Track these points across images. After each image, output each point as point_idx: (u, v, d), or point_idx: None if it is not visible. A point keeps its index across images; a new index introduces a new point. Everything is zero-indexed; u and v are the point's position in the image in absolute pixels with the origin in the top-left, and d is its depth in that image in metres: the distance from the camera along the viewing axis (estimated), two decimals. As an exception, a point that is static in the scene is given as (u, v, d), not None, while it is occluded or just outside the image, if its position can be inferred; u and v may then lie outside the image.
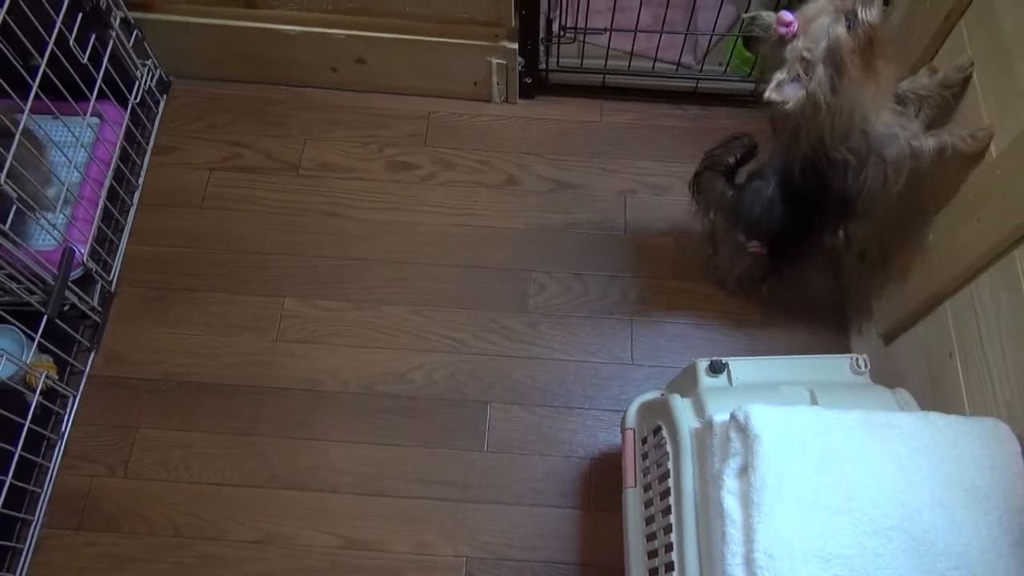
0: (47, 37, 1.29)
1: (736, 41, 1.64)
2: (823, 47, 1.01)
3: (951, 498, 0.85)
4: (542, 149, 1.68)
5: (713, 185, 1.33)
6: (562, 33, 1.63)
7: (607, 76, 1.67)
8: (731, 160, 1.33)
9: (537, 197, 1.62)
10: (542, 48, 1.62)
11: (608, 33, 1.58)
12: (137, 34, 1.57)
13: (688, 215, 1.45)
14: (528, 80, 1.68)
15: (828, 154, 1.12)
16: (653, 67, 1.65)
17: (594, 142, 1.68)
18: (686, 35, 1.61)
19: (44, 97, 1.29)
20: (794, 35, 1.02)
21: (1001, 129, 1.03)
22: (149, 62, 1.64)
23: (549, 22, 1.62)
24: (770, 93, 1.03)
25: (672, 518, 0.98)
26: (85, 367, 1.45)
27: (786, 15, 1.01)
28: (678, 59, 1.65)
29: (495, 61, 1.61)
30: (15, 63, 1.24)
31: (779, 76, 1.02)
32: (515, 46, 1.58)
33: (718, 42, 1.69)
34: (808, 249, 1.35)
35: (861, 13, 1.00)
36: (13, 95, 1.23)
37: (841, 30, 1.00)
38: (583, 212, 1.61)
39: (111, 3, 1.48)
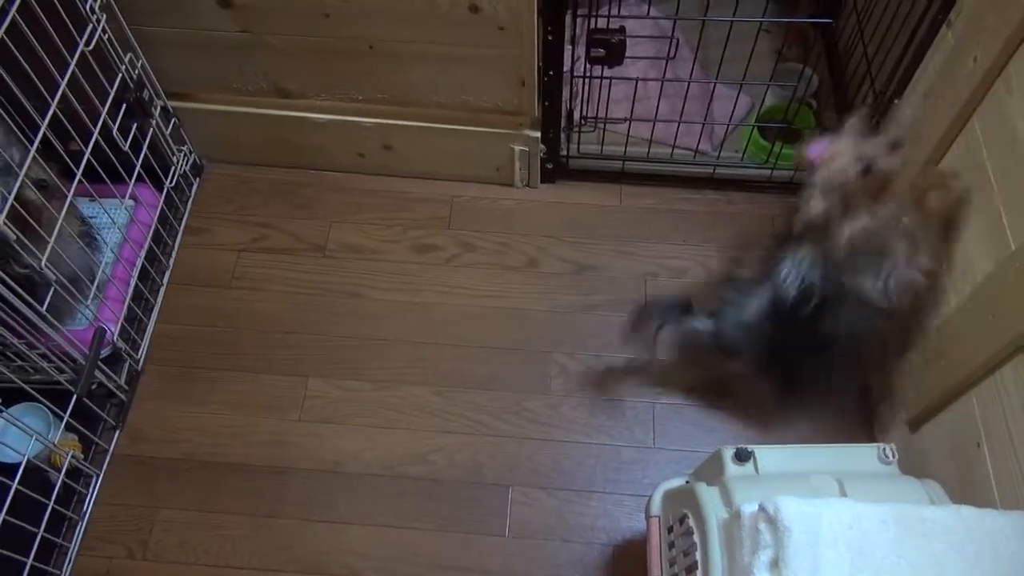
0: (92, 127, 1.35)
1: (752, 130, 1.68)
2: (838, 183, 1.15)
3: (988, 596, 0.83)
4: (563, 232, 1.71)
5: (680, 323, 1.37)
6: (583, 122, 1.68)
7: (626, 162, 1.72)
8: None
9: (558, 279, 1.65)
10: (563, 136, 1.68)
11: (628, 122, 1.63)
12: (175, 121, 1.64)
13: (712, 300, 1.47)
14: (549, 166, 1.72)
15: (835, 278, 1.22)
16: (671, 154, 1.70)
17: (614, 225, 1.72)
18: (703, 124, 1.66)
19: (84, 181, 1.34)
20: (822, 164, 1.15)
21: (1019, 222, 1.05)
22: (185, 147, 1.70)
23: (570, 112, 1.68)
24: (806, 206, 1.16)
25: (701, 612, 0.96)
26: (109, 446, 1.45)
27: (816, 147, 1.16)
28: (696, 146, 1.69)
29: (518, 148, 1.66)
30: (60, 150, 1.29)
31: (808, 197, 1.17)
32: (537, 134, 1.63)
33: (734, 130, 1.74)
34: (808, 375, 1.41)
35: (881, 163, 1.15)
36: (53, 176, 1.28)
37: (853, 171, 1.14)
38: (603, 294, 1.63)
39: (153, 94, 1.55)
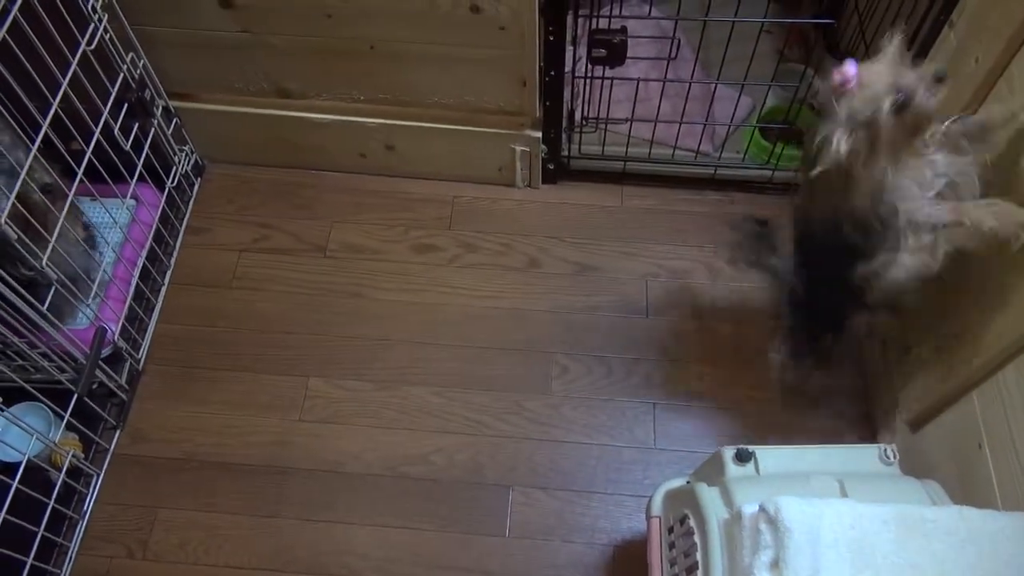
0: (93, 126, 1.35)
1: (754, 131, 1.68)
2: (866, 116, 0.96)
3: (989, 597, 0.83)
4: (564, 233, 1.71)
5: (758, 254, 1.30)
6: (584, 123, 1.68)
7: (628, 163, 1.72)
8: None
9: (559, 280, 1.65)
10: (565, 136, 1.68)
11: (629, 123, 1.63)
12: (176, 122, 1.64)
13: (711, 300, 1.47)
14: (551, 166, 1.72)
15: (855, 219, 1.05)
16: (673, 155, 1.70)
17: (615, 226, 1.72)
18: (705, 125, 1.66)
19: (86, 180, 1.34)
20: (849, 91, 0.97)
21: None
22: (186, 147, 1.71)
23: (572, 112, 1.68)
24: (831, 139, 0.97)
25: (702, 612, 0.96)
26: (110, 445, 1.45)
27: (848, 68, 0.96)
28: (697, 147, 1.69)
29: (519, 148, 1.66)
30: (61, 149, 1.29)
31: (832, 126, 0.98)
32: (539, 134, 1.63)
33: (735, 131, 1.73)
34: (837, 332, 1.29)
35: (919, 97, 0.96)
36: (56, 178, 1.28)
37: (887, 107, 0.95)
38: (605, 295, 1.63)
39: (155, 94, 1.55)
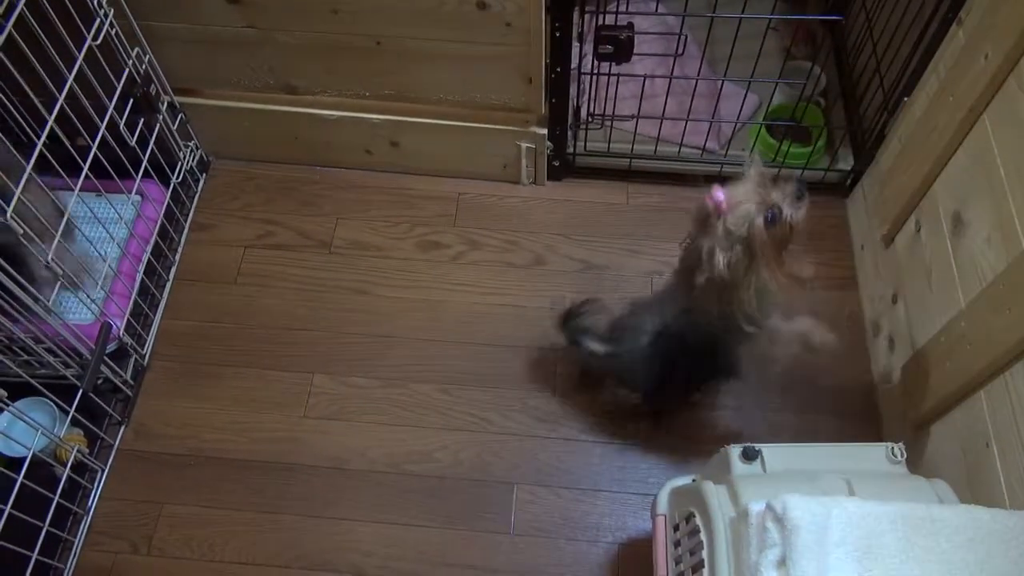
0: (99, 121, 1.35)
1: (760, 128, 1.68)
2: (741, 233, 1.07)
3: (998, 596, 0.83)
4: (569, 230, 1.71)
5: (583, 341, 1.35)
6: (590, 119, 1.68)
7: (633, 160, 1.71)
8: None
9: (564, 277, 1.65)
10: (570, 133, 1.67)
11: (635, 120, 1.63)
12: (182, 117, 1.64)
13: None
14: (556, 163, 1.72)
15: (727, 321, 1.15)
16: (679, 152, 1.69)
17: (621, 224, 1.71)
18: (711, 122, 1.66)
19: (91, 176, 1.34)
20: (723, 212, 1.07)
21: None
22: (191, 143, 1.70)
23: (577, 109, 1.67)
24: (711, 257, 1.08)
25: (708, 610, 0.96)
26: (115, 441, 1.45)
27: (717, 194, 1.07)
28: (703, 145, 1.69)
29: (524, 145, 1.66)
30: (66, 144, 1.29)
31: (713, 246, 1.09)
32: (544, 131, 1.63)
33: (742, 129, 1.73)
34: (680, 397, 1.44)
35: (787, 212, 1.07)
36: (63, 174, 1.28)
37: (759, 222, 1.06)
38: (610, 292, 1.62)
39: (160, 89, 1.55)
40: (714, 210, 1.08)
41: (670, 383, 1.33)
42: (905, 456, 1.07)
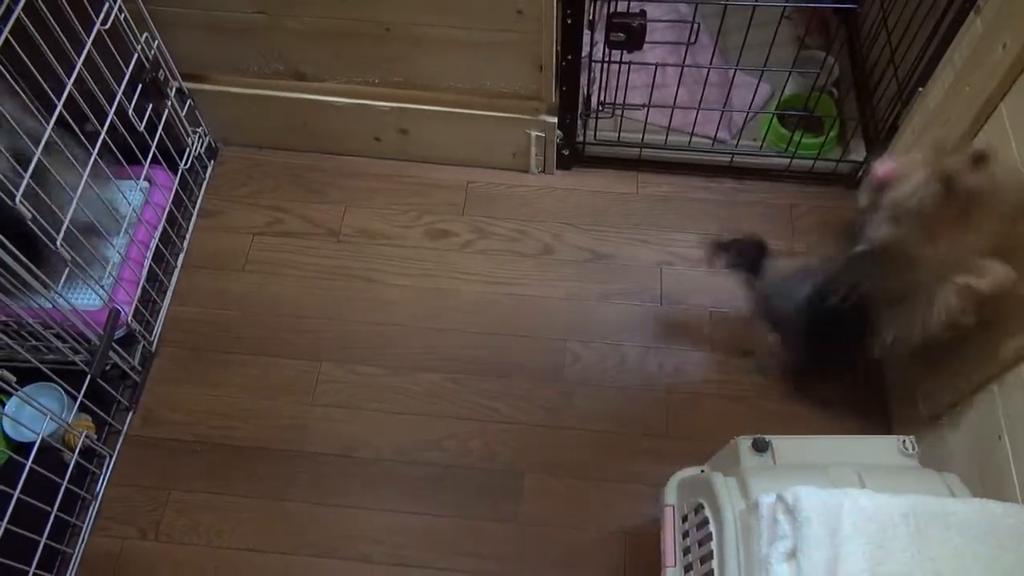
0: (107, 107, 1.35)
1: (772, 118, 1.66)
2: (912, 205, 0.99)
3: (1010, 590, 0.82)
4: (578, 219, 1.70)
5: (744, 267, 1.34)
6: (600, 108, 1.67)
7: (643, 149, 1.70)
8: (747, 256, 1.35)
9: (573, 267, 1.64)
10: (580, 122, 1.66)
11: (646, 109, 1.61)
12: (190, 103, 1.63)
13: (725, 289, 1.47)
14: (566, 152, 1.71)
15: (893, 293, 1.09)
16: (689, 142, 1.68)
17: (630, 213, 1.70)
18: (722, 112, 1.64)
19: (100, 162, 1.34)
20: (889, 184, 1.01)
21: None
22: (200, 129, 1.70)
23: (588, 97, 1.66)
24: (872, 231, 1.02)
25: (716, 602, 0.95)
26: (123, 427, 1.46)
27: (885, 165, 1.01)
28: (714, 134, 1.67)
29: (534, 134, 1.65)
30: (76, 130, 1.29)
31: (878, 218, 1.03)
32: (554, 120, 1.62)
33: (753, 118, 1.71)
34: (834, 360, 1.36)
35: (962, 181, 0.98)
36: (73, 160, 1.28)
37: (929, 193, 0.97)
38: (619, 282, 1.62)
39: (169, 75, 1.54)
40: (882, 180, 1.01)
41: (821, 345, 1.27)
42: (917, 449, 1.06)
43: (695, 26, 1.47)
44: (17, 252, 1.12)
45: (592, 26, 1.59)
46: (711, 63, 1.55)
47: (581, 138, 1.69)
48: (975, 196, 0.98)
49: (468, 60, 1.51)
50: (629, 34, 1.42)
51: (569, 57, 1.48)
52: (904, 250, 1.01)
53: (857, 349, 1.22)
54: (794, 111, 1.65)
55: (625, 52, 1.47)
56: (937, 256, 1.01)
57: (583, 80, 1.57)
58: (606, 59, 1.53)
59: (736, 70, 1.59)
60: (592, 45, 1.58)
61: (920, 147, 1.04)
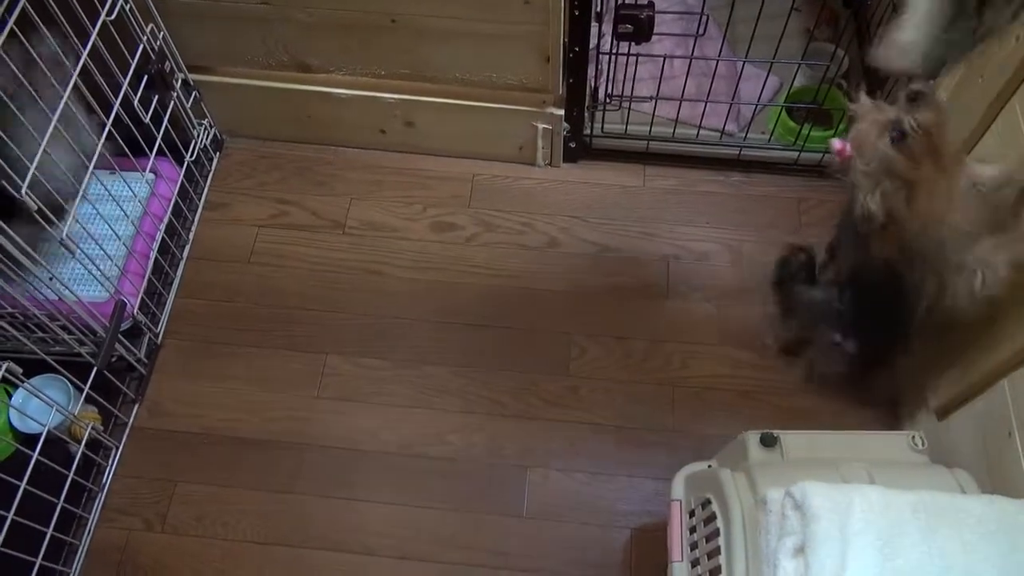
0: (113, 98, 1.34)
1: (780, 111, 1.65)
2: (876, 165, 1.00)
3: (1021, 587, 0.81)
4: (585, 212, 1.69)
5: (801, 293, 1.34)
6: (608, 100, 1.66)
7: (651, 142, 1.69)
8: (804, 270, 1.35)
9: (579, 260, 1.63)
10: (587, 114, 1.65)
11: (653, 101, 1.60)
12: (196, 95, 1.63)
13: (732, 281, 1.46)
14: (572, 145, 1.70)
15: (906, 261, 1.09)
16: (697, 135, 1.67)
17: (637, 207, 1.70)
18: (730, 104, 1.63)
19: (106, 153, 1.34)
20: (850, 158, 1.02)
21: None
22: (205, 121, 1.69)
23: (595, 90, 1.65)
24: (868, 206, 1.02)
25: (723, 597, 0.95)
26: (129, 419, 1.46)
27: (835, 143, 1.02)
28: (722, 127, 1.66)
29: (540, 126, 1.64)
30: (81, 122, 1.28)
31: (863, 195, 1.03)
32: (561, 112, 1.61)
33: (761, 111, 1.70)
34: (893, 347, 1.32)
35: (907, 121, 0.99)
36: (78, 151, 1.27)
37: (884, 145, 0.99)
38: (625, 276, 1.61)
39: (174, 66, 1.54)
40: (841, 160, 1.02)
41: (876, 328, 1.26)
42: (927, 445, 1.05)
43: (704, 18, 1.45)
44: (30, 249, 1.12)
45: (599, 18, 1.58)
46: (719, 55, 1.54)
47: (588, 131, 1.68)
48: (928, 130, 0.99)
49: (474, 52, 1.50)
50: (637, 26, 1.41)
51: (576, 49, 1.47)
52: (901, 211, 1.01)
53: (902, 328, 1.21)
54: (803, 104, 1.63)
55: (633, 44, 1.46)
56: (933, 204, 1.01)
57: (590, 72, 1.56)
58: (614, 51, 1.52)
59: (745, 62, 1.57)
60: (599, 37, 1.57)
61: (860, 115, 1.02)
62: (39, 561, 1.21)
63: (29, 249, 1.15)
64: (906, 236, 1.04)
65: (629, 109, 1.65)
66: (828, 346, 1.34)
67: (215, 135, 1.74)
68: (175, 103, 1.56)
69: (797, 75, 1.64)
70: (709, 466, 1.15)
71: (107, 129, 1.32)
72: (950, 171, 1.02)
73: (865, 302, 1.22)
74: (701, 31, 1.47)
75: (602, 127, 1.69)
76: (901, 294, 1.14)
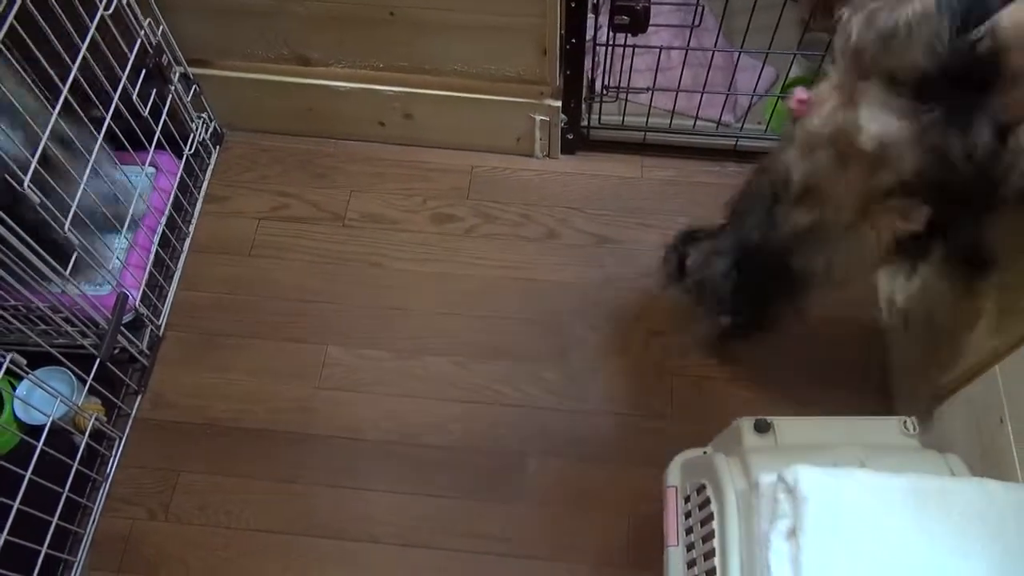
0: (112, 92, 1.35)
1: (776, 101, 1.66)
2: (828, 132, 0.97)
3: (1009, 567, 0.83)
4: (583, 204, 1.70)
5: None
6: (605, 92, 1.66)
7: (648, 133, 1.70)
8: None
9: (577, 251, 1.64)
10: (584, 106, 1.66)
11: (650, 92, 1.61)
12: (195, 88, 1.64)
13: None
14: (570, 136, 1.71)
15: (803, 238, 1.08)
16: (694, 125, 1.68)
17: (634, 197, 1.71)
18: (727, 95, 1.64)
19: (106, 147, 1.35)
20: (805, 113, 0.99)
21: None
22: (204, 115, 1.70)
23: (592, 81, 1.66)
24: (792, 168, 1.00)
25: (718, 580, 0.96)
26: (132, 410, 1.47)
27: (799, 91, 1.00)
28: (719, 118, 1.67)
29: (538, 118, 1.65)
30: (81, 116, 1.30)
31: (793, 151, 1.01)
32: (558, 104, 1.62)
33: (758, 101, 1.71)
34: (771, 317, 1.33)
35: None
36: (79, 145, 1.28)
37: (843, 119, 0.95)
38: (623, 267, 1.62)
39: (172, 60, 1.55)
40: (796, 113, 0.99)
41: (754, 302, 1.26)
42: (918, 430, 1.07)
43: (699, 9, 1.46)
44: (33, 243, 1.13)
45: (596, 9, 1.59)
46: (715, 46, 1.55)
47: (585, 122, 1.69)
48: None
49: (472, 44, 1.51)
50: (633, 17, 1.42)
51: (573, 40, 1.48)
52: (820, 184, 0.99)
53: (786, 300, 1.21)
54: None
55: (629, 35, 1.47)
56: (850, 190, 0.99)
57: (587, 64, 1.56)
58: (610, 42, 1.53)
59: (741, 53, 1.58)
60: (596, 28, 1.57)
61: (832, 77, 0.98)
62: (45, 550, 1.23)
63: (42, 251, 1.16)
64: (815, 212, 1.02)
65: (626, 100, 1.66)
66: (707, 315, 1.36)
67: (215, 128, 1.75)
68: (174, 97, 1.57)
69: (793, 65, 1.65)
70: (704, 452, 1.17)
71: (107, 123, 1.33)
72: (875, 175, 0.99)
73: (746, 275, 1.20)
74: (697, 22, 1.47)
75: (599, 118, 1.70)
76: (785, 272, 1.13)
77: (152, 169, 1.59)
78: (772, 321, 1.33)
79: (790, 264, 1.12)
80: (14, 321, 1.30)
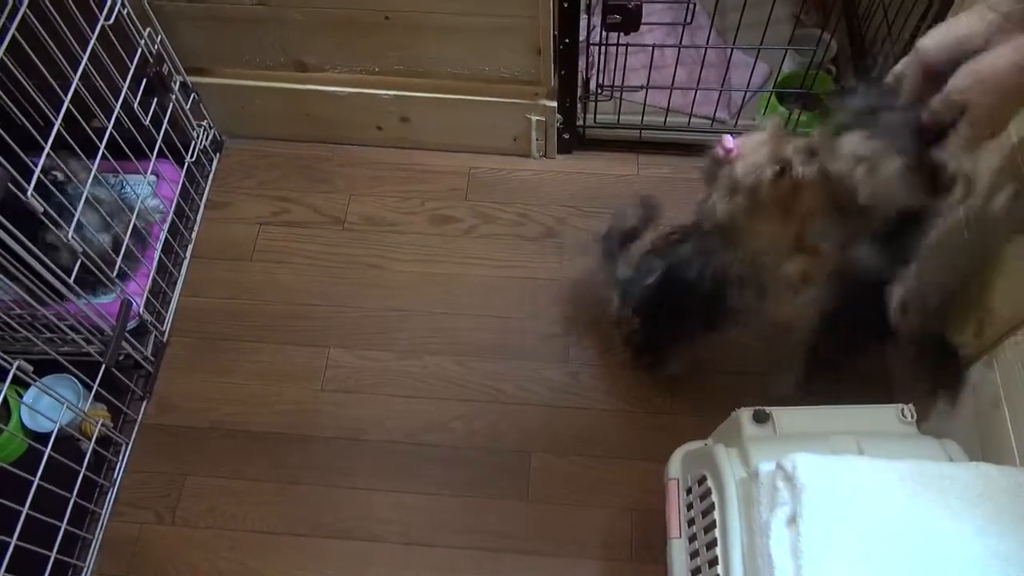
0: (113, 102, 1.37)
1: (770, 97, 1.67)
2: (748, 183, 1.03)
3: (1007, 551, 0.84)
4: (580, 202, 1.71)
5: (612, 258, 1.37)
6: (599, 91, 1.68)
7: (643, 131, 1.71)
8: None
9: (576, 249, 1.65)
10: (580, 105, 1.67)
11: (645, 90, 1.63)
12: (195, 97, 1.65)
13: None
14: (566, 136, 1.72)
15: (732, 271, 1.15)
16: (689, 122, 1.69)
17: (631, 195, 1.71)
18: (721, 91, 1.65)
19: (109, 156, 1.36)
20: (730, 161, 1.05)
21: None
22: (204, 122, 1.72)
23: (587, 81, 1.67)
24: (710, 203, 1.07)
25: (719, 569, 0.97)
26: (137, 415, 1.49)
27: (728, 139, 1.05)
28: (713, 114, 1.68)
29: (534, 118, 1.66)
30: (84, 126, 1.31)
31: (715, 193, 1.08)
32: (554, 104, 1.63)
33: (752, 98, 1.72)
34: (681, 342, 1.39)
35: (797, 167, 1.02)
36: (81, 154, 1.30)
37: (768, 174, 1.02)
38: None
39: (172, 69, 1.56)
40: (723, 157, 1.05)
41: (670, 326, 1.31)
42: (915, 417, 1.08)
43: (691, 6, 1.48)
44: (45, 259, 1.15)
45: (589, 9, 1.61)
46: (708, 43, 1.56)
47: (581, 121, 1.71)
48: (800, 184, 1.03)
49: (467, 46, 1.53)
50: (626, 16, 1.43)
51: (567, 41, 1.49)
52: (737, 226, 1.07)
53: (710, 326, 1.28)
54: (792, 89, 1.66)
55: (622, 34, 1.48)
56: (765, 235, 1.07)
57: (581, 63, 1.58)
58: (604, 42, 1.54)
59: (733, 49, 1.59)
60: (590, 28, 1.59)
61: (763, 131, 1.06)
62: (54, 555, 1.24)
63: (50, 262, 1.17)
64: (735, 247, 1.11)
65: (621, 99, 1.68)
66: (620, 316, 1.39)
67: (215, 136, 1.77)
68: (174, 105, 1.59)
69: (785, 61, 1.66)
70: (705, 444, 1.18)
71: (108, 133, 1.35)
72: (789, 228, 1.07)
73: (672, 291, 1.25)
74: (689, 19, 1.49)
75: (595, 117, 1.71)
76: (711, 294, 1.19)
77: (154, 177, 1.60)
78: (667, 359, 1.42)
79: (708, 291, 1.19)
80: (20, 329, 1.31)
